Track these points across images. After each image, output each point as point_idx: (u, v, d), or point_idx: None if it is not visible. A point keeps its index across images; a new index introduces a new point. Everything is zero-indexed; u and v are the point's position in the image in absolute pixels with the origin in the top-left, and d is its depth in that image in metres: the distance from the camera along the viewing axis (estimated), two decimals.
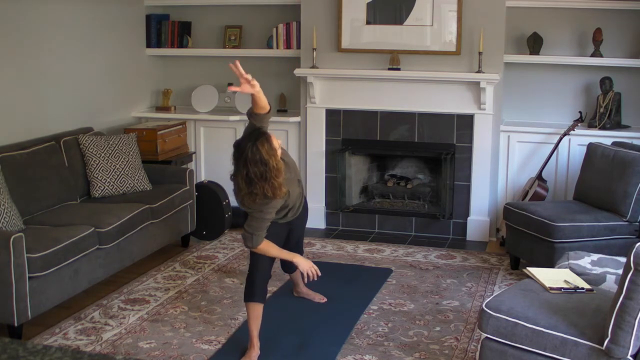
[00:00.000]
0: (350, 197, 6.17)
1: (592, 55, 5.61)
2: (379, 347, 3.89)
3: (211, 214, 5.73)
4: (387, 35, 5.79)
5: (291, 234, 4.05)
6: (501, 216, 5.55)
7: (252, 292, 3.77)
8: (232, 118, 6.23)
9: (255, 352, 3.75)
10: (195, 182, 5.62)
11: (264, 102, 3.61)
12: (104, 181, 5.15)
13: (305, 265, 3.81)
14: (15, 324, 3.82)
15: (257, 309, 3.78)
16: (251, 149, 3.40)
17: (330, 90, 5.99)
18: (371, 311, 4.38)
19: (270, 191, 3.44)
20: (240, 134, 6.21)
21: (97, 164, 5.15)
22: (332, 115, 6.03)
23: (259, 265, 3.78)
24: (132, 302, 4.49)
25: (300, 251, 4.31)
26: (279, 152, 3.55)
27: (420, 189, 6.21)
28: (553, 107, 5.90)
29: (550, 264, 4.35)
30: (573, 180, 5.45)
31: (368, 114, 5.96)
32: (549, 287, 3.33)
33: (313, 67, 5.91)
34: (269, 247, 3.69)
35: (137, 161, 5.36)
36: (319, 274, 3.84)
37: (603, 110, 5.54)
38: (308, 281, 3.92)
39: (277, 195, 3.48)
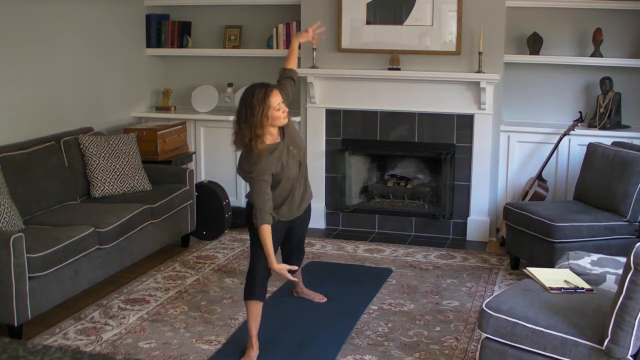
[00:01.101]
0: (350, 197, 6.17)
1: (592, 55, 5.61)
2: (379, 347, 3.89)
3: (211, 214, 5.73)
4: (387, 35, 5.79)
5: (292, 232, 4.04)
6: (501, 216, 5.55)
7: (252, 290, 3.77)
8: (232, 118, 6.13)
9: (254, 351, 3.74)
10: (195, 182, 5.62)
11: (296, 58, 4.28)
12: (104, 181, 5.15)
13: (277, 271, 3.75)
14: (15, 324, 3.82)
15: (257, 308, 3.78)
16: (249, 90, 3.68)
17: (330, 90, 5.99)
18: (371, 311, 4.37)
19: (248, 136, 3.58)
20: None
21: (97, 164, 5.15)
22: (332, 115, 6.03)
23: (259, 264, 3.78)
24: (132, 302, 4.49)
25: (301, 251, 4.31)
26: (278, 112, 3.65)
27: (420, 189, 6.21)
28: (553, 107, 5.90)
29: (550, 264, 4.35)
30: (573, 180, 5.45)
31: (368, 114, 5.96)
32: (549, 287, 3.33)
33: (313, 67, 5.91)
34: (266, 236, 3.64)
35: (137, 161, 5.36)
36: (289, 277, 3.80)
37: (603, 110, 5.54)
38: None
39: (254, 147, 3.59)
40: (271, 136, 3.71)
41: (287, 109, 3.74)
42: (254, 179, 3.65)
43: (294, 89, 4.27)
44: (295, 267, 3.89)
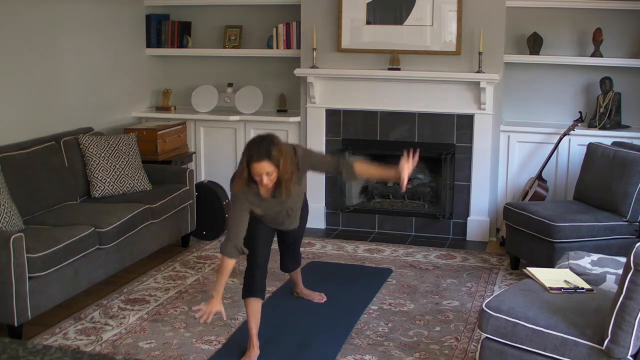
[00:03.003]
0: (350, 197, 6.17)
1: (592, 55, 5.61)
2: (379, 347, 3.89)
3: (211, 214, 5.73)
4: (387, 35, 5.79)
5: (284, 235, 4.07)
6: (501, 216, 5.55)
7: (251, 287, 3.77)
8: (232, 118, 6.23)
9: (255, 351, 3.74)
10: (195, 182, 5.62)
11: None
12: (104, 181, 5.15)
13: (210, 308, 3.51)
14: (15, 324, 3.82)
15: (256, 305, 3.78)
16: (252, 141, 3.50)
17: (330, 90, 5.98)
18: (371, 311, 4.37)
19: (240, 169, 3.51)
20: (240, 134, 6.25)
21: (97, 164, 5.15)
22: (332, 115, 6.03)
23: (257, 261, 3.79)
24: (132, 302, 4.49)
25: (296, 252, 4.30)
26: (258, 179, 3.45)
27: (420, 189, 6.20)
28: (553, 107, 5.90)
29: (550, 264, 4.35)
30: (573, 180, 5.45)
31: (368, 114, 5.96)
32: (549, 287, 3.33)
33: (313, 67, 5.91)
34: (222, 268, 3.53)
35: (137, 161, 5.36)
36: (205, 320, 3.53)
37: (603, 110, 5.54)
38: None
39: (232, 185, 3.57)
40: (263, 189, 3.58)
41: (271, 181, 3.46)
42: (233, 201, 3.59)
43: (329, 169, 3.95)
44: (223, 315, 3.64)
